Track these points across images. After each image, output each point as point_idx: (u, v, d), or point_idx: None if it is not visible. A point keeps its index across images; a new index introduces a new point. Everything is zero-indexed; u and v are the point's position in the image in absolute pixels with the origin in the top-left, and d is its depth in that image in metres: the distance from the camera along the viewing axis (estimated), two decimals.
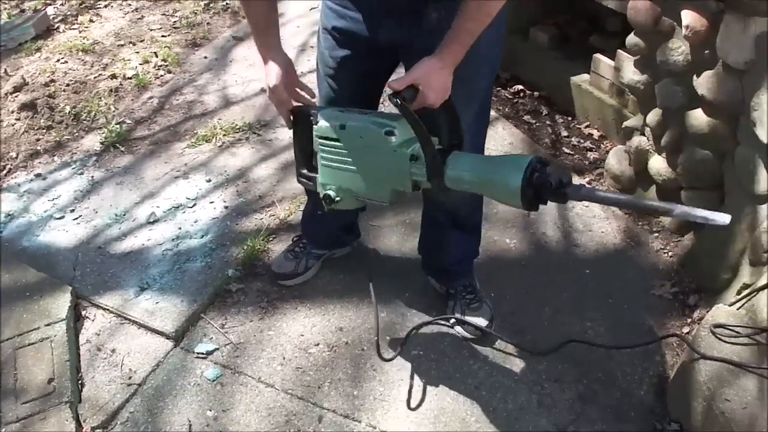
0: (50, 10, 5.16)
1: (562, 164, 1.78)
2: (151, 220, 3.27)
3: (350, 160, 1.96)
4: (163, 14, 5.21)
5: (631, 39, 3.06)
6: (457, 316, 2.69)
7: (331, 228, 2.84)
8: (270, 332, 2.73)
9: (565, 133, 3.80)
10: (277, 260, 2.95)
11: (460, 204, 2.45)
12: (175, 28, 5.01)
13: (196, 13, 5.19)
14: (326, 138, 1.98)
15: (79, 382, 2.60)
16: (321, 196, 2.05)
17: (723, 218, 1.46)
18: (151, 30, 4.95)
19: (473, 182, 1.81)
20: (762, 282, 2.42)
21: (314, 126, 2.01)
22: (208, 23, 5.09)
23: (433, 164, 1.81)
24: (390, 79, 1.94)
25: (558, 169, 1.67)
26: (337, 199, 2.03)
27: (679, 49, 2.79)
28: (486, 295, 2.81)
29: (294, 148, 2.19)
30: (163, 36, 4.86)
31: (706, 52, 2.69)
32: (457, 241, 2.65)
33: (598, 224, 3.19)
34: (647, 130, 3.11)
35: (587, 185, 1.67)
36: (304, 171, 2.18)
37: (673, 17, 2.80)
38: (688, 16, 2.68)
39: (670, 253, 3.06)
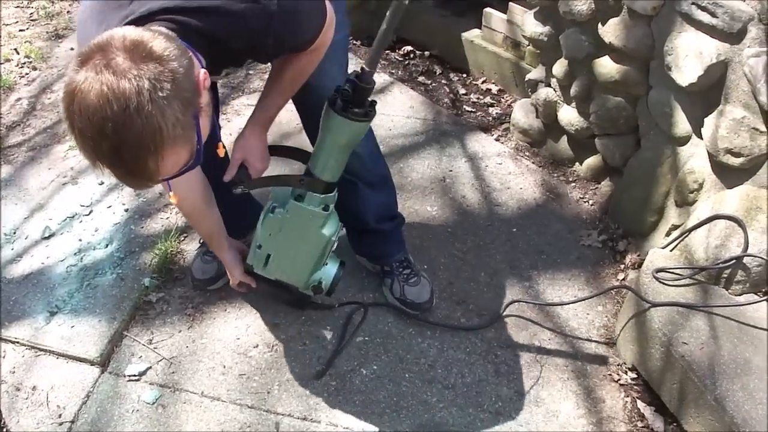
0: None
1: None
2: (46, 234, 3.03)
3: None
4: (18, 7, 4.84)
5: None
6: (392, 303, 2.66)
7: (237, 218, 2.64)
8: (203, 341, 2.57)
9: (463, 91, 3.73)
10: (196, 266, 2.75)
11: (357, 162, 2.30)
12: (32, 20, 4.67)
13: (53, 2, 4.83)
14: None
15: (4, 430, 2.37)
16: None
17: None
18: (7, 25, 4.59)
19: (331, 156, 2.00)
20: (691, 222, 2.41)
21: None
22: (68, 11, 4.75)
23: (310, 185, 2.06)
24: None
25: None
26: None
27: None
28: (420, 268, 2.71)
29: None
30: (21, 30, 4.52)
31: (611, 0, 2.64)
32: (371, 196, 2.53)
33: (514, 181, 3.15)
34: (553, 81, 3.06)
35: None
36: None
37: None
38: None
39: (590, 202, 3.05)
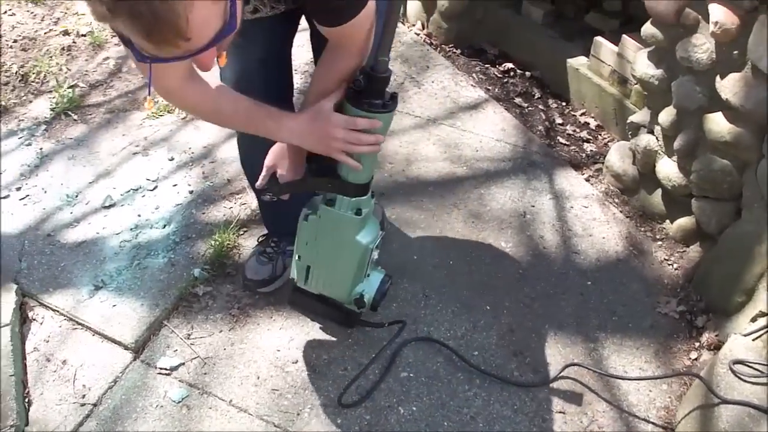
0: None
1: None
2: (107, 204, 2.95)
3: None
4: None
5: (648, 29, 2.77)
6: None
7: (289, 215, 2.44)
8: (242, 345, 2.45)
9: (559, 120, 3.53)
10: (250, 266, 2.62)
11: None
12: None
13: None
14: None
15: (26, 399, 2.30)
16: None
17: None
18: None
19: (356, 155, 1.89)
20: None
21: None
22: None
23: (338, 188, 2.00)
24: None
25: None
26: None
27: (703, 46, 2.52)
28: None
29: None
30: None
31: (735, 52, 2.43)
32: None
33: (598, 228, 2.95)
34: (657, 129, 2.85)
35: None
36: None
37: (700, 10, 2.53)
38: (717, 11, 2.41)
39: (675, 265, 2.83)
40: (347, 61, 1.84)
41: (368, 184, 2.02)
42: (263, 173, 2.03)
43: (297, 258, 2.21)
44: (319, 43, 1.96)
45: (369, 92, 1.79)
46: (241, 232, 2.84)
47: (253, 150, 2.26)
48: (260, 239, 2.70)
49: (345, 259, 2.13)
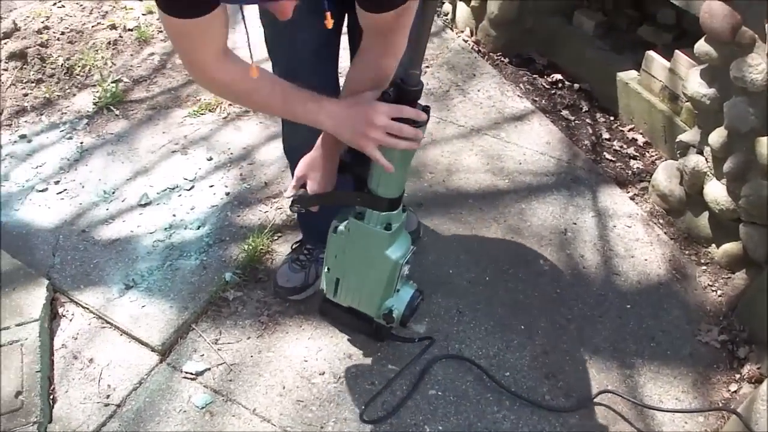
0: None
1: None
2: (143, 202, 2.93)
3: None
4: None
5: (702, 46, 2.69)
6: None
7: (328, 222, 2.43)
8: (269, 353, 2.41)
9: (606, 135, 3.45)
10: (282, 273, 2.58)
11: None
12: None
13: None
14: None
15: (51, 397, 2.28)
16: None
17: None
18: None
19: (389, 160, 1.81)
20: None
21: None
22: None
23: (368, 202, 1.95)
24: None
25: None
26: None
27: (758, 67, 2.44)
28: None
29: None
30: None
31: None
32: None
33: (641, 249, 2.86)
34: (707, 149, 2.75)
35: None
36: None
37: (757, 29, 2.44)
38: None
39: (719, 292, 2.74)
40: (384, 59, 1.79)
41: (399, 198, 1.97)
42: (293, 183, 1.99)
43: (326, 270, 2.17)
44: (356, 45, 1.92)
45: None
46: (276, 238, 2.80)
47: (297, 142, 2.22)
48: (294, 246, 2.66)
49: (374, 273, 2.08)
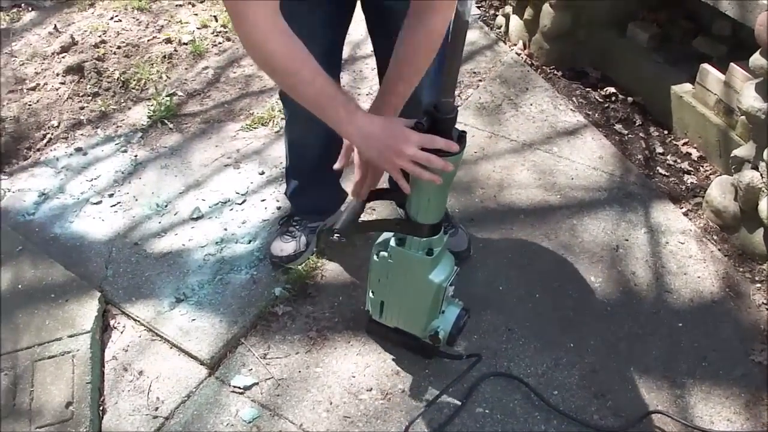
0: None
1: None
2: (195, 216, 2.96)
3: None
4: None
5: (757, 60, 2.64)
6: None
7: (320, 197, 2.72)
8: (317, 369, 2.41)
9: (660, 150, 3.40)
10: (275, 246, 2.72)
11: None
12: None
13: None
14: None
15: (100, 408, 2.31)
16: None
17: None
18: None
19: (424, 197, 1.89)
20: None
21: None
22: None
23: (408, 229, 1.96)
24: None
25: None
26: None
27: None
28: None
29: None
30: None
31: None
32: None
33: (694, 266, 2.81)
34: (762, 165, 2.70)
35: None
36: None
37: None
38: None
39: None
40: (432, 17, 1.74)
41: (439, 224, 1.97)
42: (342, 152, 1.92)
43: (371, 293, 2.18)
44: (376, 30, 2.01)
45: (435, 134, 1.72)
46: (325, 253, 2.80)
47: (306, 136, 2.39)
48: (281, 221, 2.80)
49: (418, 297, 2.08)
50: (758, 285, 2.79)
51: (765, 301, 2.72)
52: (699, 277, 2.79)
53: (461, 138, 1.77)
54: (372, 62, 3.64)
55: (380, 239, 2.08)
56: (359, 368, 2.42)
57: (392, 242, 2.01)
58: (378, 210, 2.93)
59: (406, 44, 1.80)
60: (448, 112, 1.69)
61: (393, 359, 2.44)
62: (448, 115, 1.70)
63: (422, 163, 1.71)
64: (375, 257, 2.07)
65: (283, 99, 2.51)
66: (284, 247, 2.70)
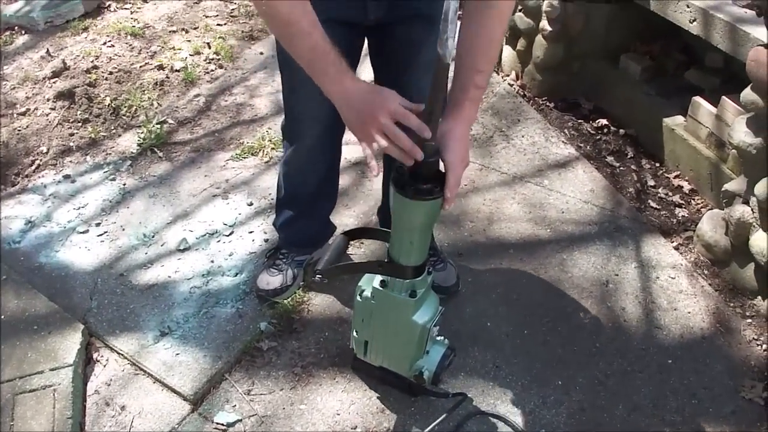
0: None
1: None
2: (182, 247, 2.93)
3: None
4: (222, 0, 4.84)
5: (748, 95, 2.64)
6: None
7: (310, 230, 2.71)
8: (302, 406, 2.39)
9: (651, 183, 3.39)
10: (261, 278, 2.70)
11: None
12: (232, 16, 4.66)
13: None
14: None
15: None
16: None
17: None
18: (207, 17, 4.61)
19: (407, 239, 1.86)
20: None
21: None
22: None
23: (391, 271, 1.93)
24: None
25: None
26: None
27: None
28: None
29: None
30: (218, 25, 4.51)
31: None
32: None
33: (684, 302, 2.79)
34: (753, 200, 2.68)
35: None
36: None
37: None
38: None
39: (764, 346, 2.66)
40: (499, 16, 1.73)
41: (423, 265, 1.94)
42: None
43: (355, 333, 2.17)
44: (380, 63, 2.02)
45: (416, 178, 1.71)
46: (311, 287, 2.78)
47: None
48: (268, 254, 2.78)
49: (402, 338, 2.06)
50: (749, 320, 2.77)
51: (755, 337, 2.70)
52: (689, 313, 2.77)
53: (442, 180, 1.75)
54: None
55: (363, 279, 2.06)
56: (344, 405, 2.39)
57: (375, 283, 1.99)
58: (366, 243, 2.91)
59: (478, 34, 1.74)
60: (431, 155, 1.67)
61: (378, 397, 2.41)
62: (430, 158, 1.67)
63: (390, 137, 1.65)
64: (358, 297, 2.05)
65: (287, 129, 2.47)
66: (270, 280, 2.68)
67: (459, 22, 1.51)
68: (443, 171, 1.75)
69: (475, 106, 1.82)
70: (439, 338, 2.18)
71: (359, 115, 1.69)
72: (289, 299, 2.68)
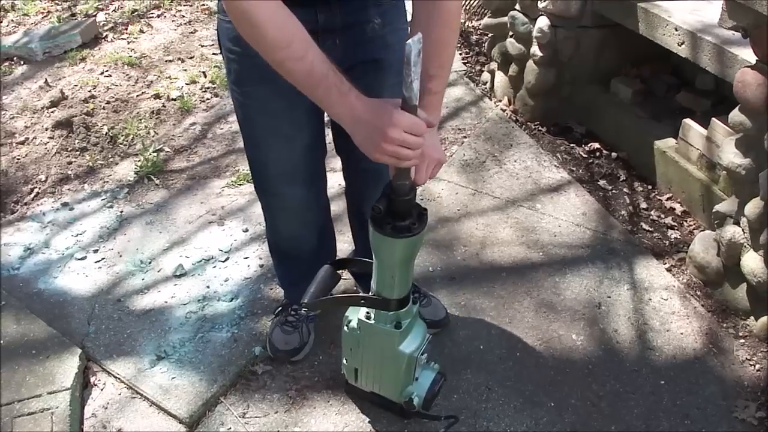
0: (101, 17, 4.90)
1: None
2: (178, 273, 2.96)
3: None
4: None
5: (736, 116, 2.68)
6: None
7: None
8: (296, 428, 2.41)
9: (644, 205, 3.42)
10: (278, 338, 2.61)
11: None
12: None
13: None
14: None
15: None
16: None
17: None
18: (203, 46, 4.67)
19: (388, 273, 1.87)
20: None
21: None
22: None
23: (374, 304, 1.95)
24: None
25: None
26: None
27: None
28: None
29: None
30: (213, 54, 4.57)
31: None
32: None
33: (677, 323, 2.82)
34: (744, 221, 2.72)
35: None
36: None
37: None
38: None
39: (757, 366, 2.68)
40: (446, 17, 1.69)
41: (406, 297, 1.96)
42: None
43: (344, 360, 2.20)
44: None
45: (393, 216, 1.73)
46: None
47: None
48: (278, 310, 2.69)
49: (389, 367, 2.09)
50: (741, 341, 2.79)
51: (748, 357, 2.72)
52: (682, 334, 2.79)
53: (422, 216, 1.78)
54: None
55: (349, 309, 2.08)
56: (338, 428, 2.41)
57: (360, 315, 2.01)
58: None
59: (427, 38, 1.57)
60: (404, 193, 1.69)
61: (372, 420, 2.43)
62: (404, 197, 1.69)
63: (405, 146, 1.57)
64: (345, 328, 2.08)
65: (263, 195, 2.36)
66: (288, 339, 2.59)
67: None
68: (420, 206, 1.79)
69: (436, 112, 1.79)
70: (429, 364, 2.20)
71: (369, 134, 1.59)
72: None
